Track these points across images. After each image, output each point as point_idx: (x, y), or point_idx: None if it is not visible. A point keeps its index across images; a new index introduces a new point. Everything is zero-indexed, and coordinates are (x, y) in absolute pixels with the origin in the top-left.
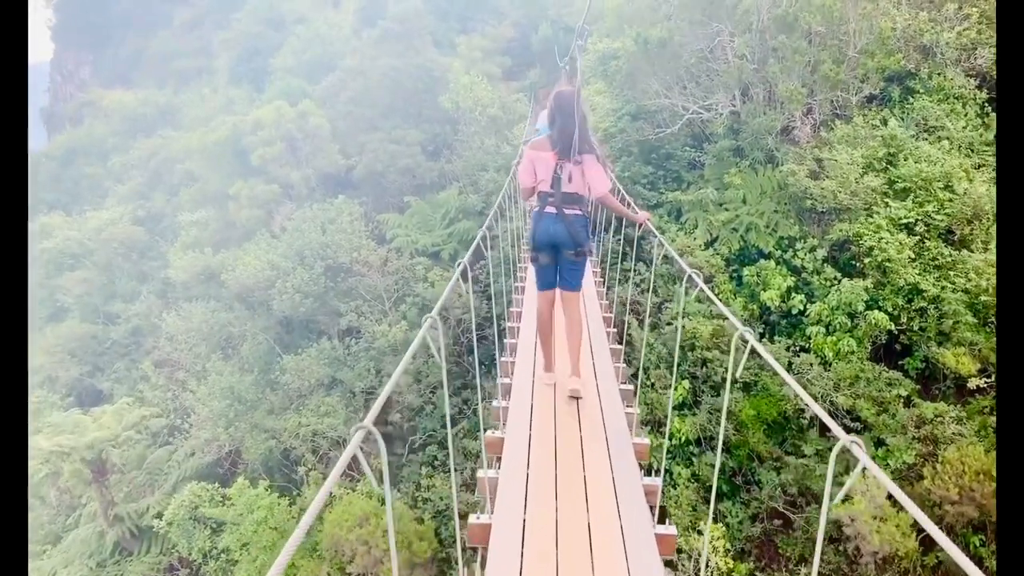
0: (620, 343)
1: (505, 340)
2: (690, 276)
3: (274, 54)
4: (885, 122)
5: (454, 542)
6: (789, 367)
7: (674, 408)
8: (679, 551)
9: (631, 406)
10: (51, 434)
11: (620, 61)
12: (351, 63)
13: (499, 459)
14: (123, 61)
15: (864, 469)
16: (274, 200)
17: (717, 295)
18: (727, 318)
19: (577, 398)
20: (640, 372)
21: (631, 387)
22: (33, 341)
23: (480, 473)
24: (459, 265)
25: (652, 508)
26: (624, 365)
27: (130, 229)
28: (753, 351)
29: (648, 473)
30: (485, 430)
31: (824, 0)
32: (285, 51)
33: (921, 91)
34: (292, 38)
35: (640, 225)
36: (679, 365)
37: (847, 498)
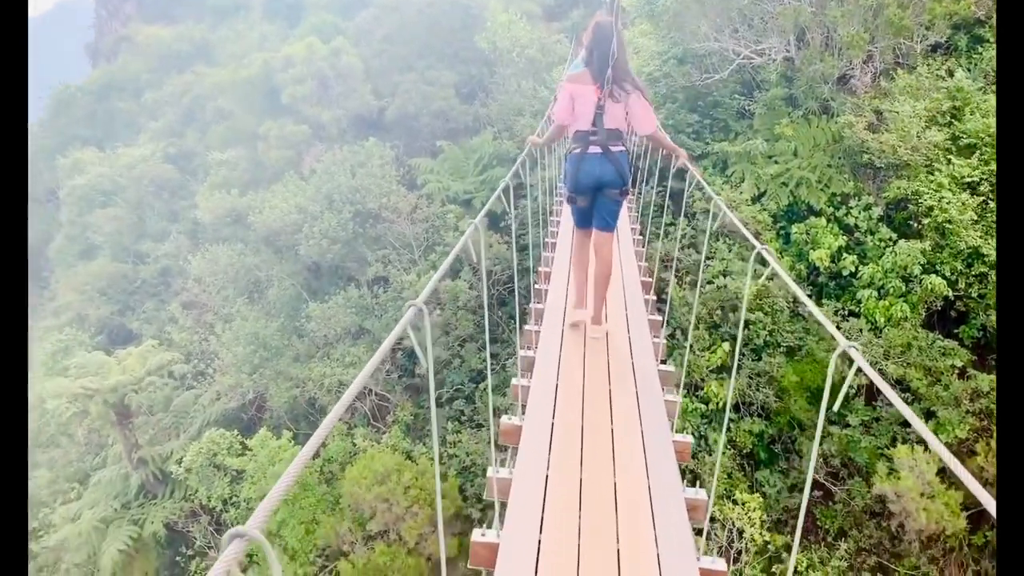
0: (657, 299)
1: (535, 286)
2: (759, 253)
3: None
4: (951, 73)
5: (478, 499)
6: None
7: (712, 371)
8: (712, 519)
9: (664, 361)
10: (76, 375)
11: (668, 0)
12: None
13: (524, 407)
14: None
15: (859, 370)
16: (304, 141)
17: (755, 270)
18: (790, 286)
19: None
20: (677, 331)
21: (662, 342)
22: (64, 279)
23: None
24: (472, 225)
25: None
26: (657, 316)
27: (161, 167)
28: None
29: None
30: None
31: None
32: None
33: (991, 40)
34: None
35: (678, 161)
36: (718, 326)
37: (894, 473)
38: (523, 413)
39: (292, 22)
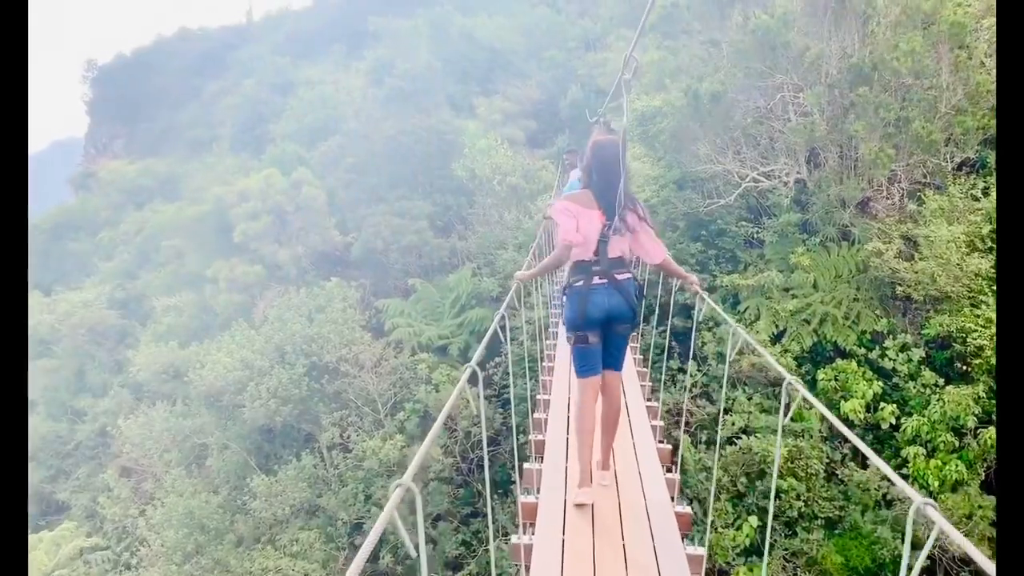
0: (671, 464)
1: (527, 453)
2: (789, 384)
3: (276, 120)
4: (986, 192)
5: None
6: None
7: (740, 553)
8: None
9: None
10: None
11: (664, 120)
12: (354, 126)
13: None
14: (155, 134)
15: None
16: (258, 283)
17: (787, 405)
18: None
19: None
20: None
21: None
22: None
23: None
24: (467, 368)
25: None
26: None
27: (102, 313)
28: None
29: None
30: None
31: (911, 45)
32: (287, 116)
33: None
34: (295, 101)
35: (691, 288)
36: (743, 496)
37: None
38: None
39: (257, 153)
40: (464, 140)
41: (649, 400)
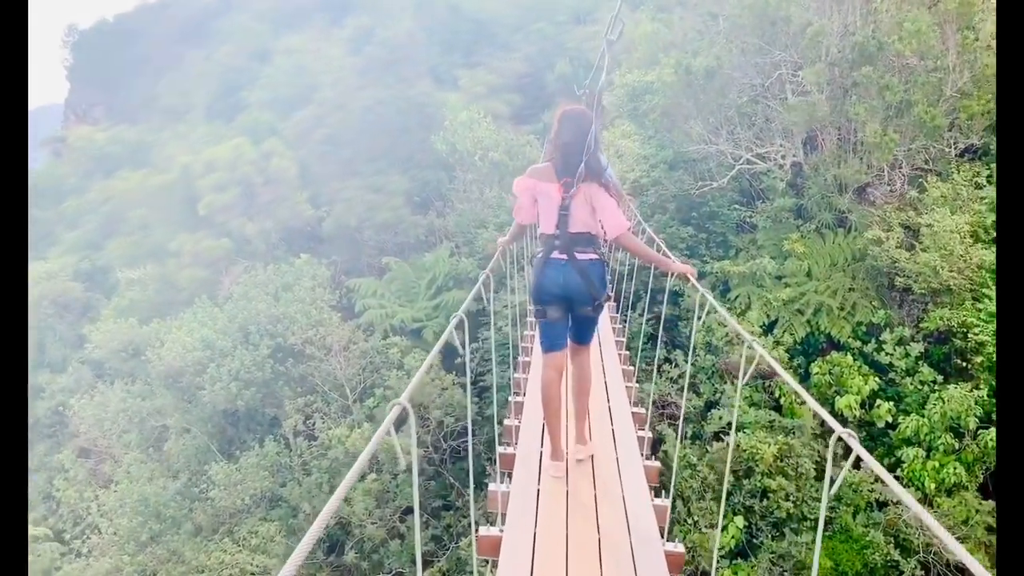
0: (652, 455)
1: (505, 422)
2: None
3: (252, 88)
4: (991, 180)
5: None
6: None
7: (724, 556)
8: None
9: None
10: None
11: (655, 97)
12: (330, 95)
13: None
14: (135, 102)
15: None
16: (224, 258)
17: (778, 398)
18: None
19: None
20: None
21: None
22: None
23: None
24: (457, 317)
25: None
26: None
27: (67, 285)
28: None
29: None
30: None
31: (917, 24)
32: (262, 84)
33: None
34: (272, 69)
35: (677, 276)
36: (729, 495)
37: None
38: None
39: (230, 122)
40: (445, 113)
41: (630, 385)
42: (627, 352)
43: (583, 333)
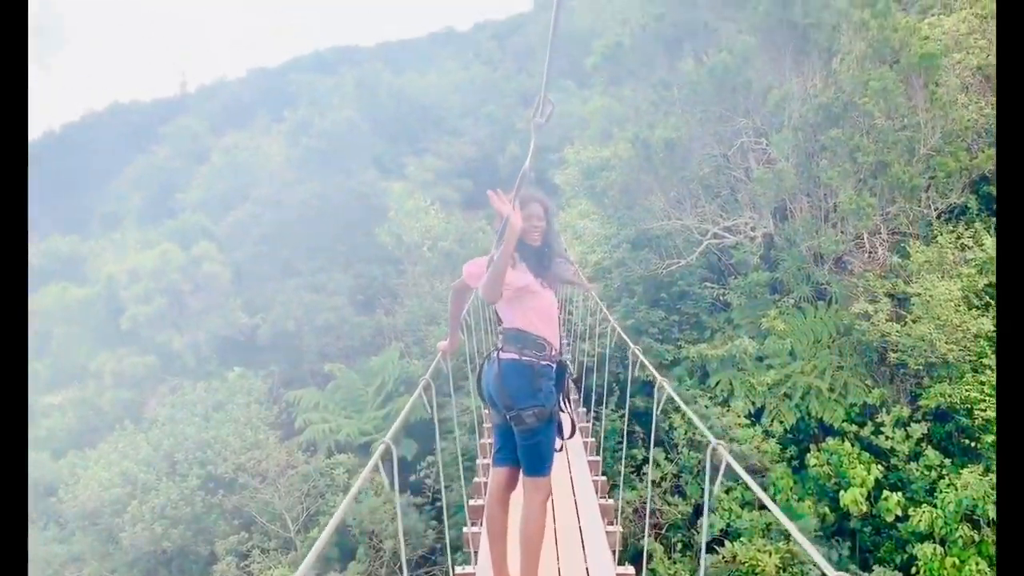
0: None
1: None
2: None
3: (185, 189)
4: (978, 241)
5: None
6: None
7: None
8: None
9: None
10: None
11: (612, 173)
12: (266, 191)
13: None
14: (74, 213)
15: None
16: (149, 377)
17: (773, 497)
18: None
19: None
20: None
21: None
22: None
23: None
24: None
25: None
26: None
27: None
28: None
29: None
30: None
31: (882, 82)
32: (195, 184)
33: None
34: (207, 168)
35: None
36: None
37: None
38: None
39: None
40: (390, 203)
41: (604, 499)
42: (597, 458)
43: (526, 457)
